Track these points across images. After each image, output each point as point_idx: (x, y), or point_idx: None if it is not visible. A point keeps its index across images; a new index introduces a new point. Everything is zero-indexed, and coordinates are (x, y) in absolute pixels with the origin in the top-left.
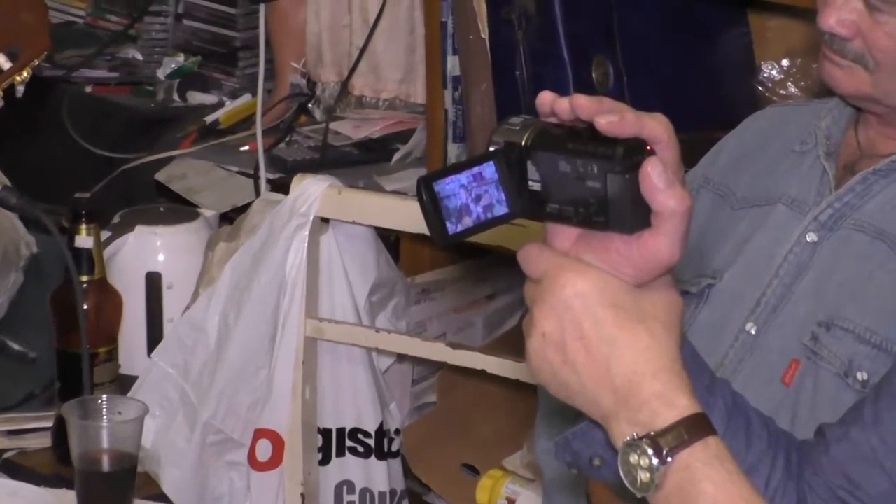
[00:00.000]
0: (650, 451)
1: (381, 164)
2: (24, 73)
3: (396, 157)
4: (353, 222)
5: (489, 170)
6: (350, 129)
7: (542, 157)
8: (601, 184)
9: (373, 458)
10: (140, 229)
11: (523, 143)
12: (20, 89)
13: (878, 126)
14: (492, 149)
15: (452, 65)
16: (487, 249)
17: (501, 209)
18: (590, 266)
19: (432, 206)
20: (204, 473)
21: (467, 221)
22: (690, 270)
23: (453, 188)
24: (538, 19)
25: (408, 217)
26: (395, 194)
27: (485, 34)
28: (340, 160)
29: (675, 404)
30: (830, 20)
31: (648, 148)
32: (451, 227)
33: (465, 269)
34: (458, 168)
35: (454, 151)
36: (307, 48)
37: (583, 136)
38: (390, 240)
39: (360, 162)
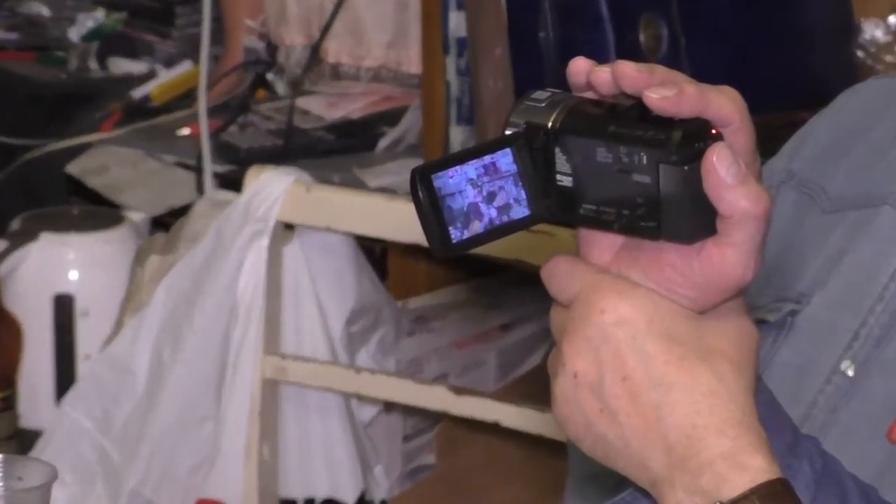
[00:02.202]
0: None
1: (363, 153)
2: None
3: (383, 143)
4: (327, 229)
5: (505, 160)
6: (322, 108)
7: (574, 144)
8: (652, 178)
9: None
10: (46, 238)
11: (550, 125)
12: None
13: None
14: (509, 132)
15: (456, 24)
16: (502, 265)
17: (521, 211)
18: (636, 286)
19: (431, 207)
20: None
21: (476, 227)
22: (768, 293)
23: (458, 184)
24: None
25: (398, 222)
26: (381, 193)
27: None
28: (310, 148)
29: (748, 467)
30: None
31: (714, 132)
32: (456, 235)
33: (472, 290)
34: (464, 157)
35: (458, 137)
36: (266, 1)
37: (628, 117)
38: (375, 252)
39: (336, 150)
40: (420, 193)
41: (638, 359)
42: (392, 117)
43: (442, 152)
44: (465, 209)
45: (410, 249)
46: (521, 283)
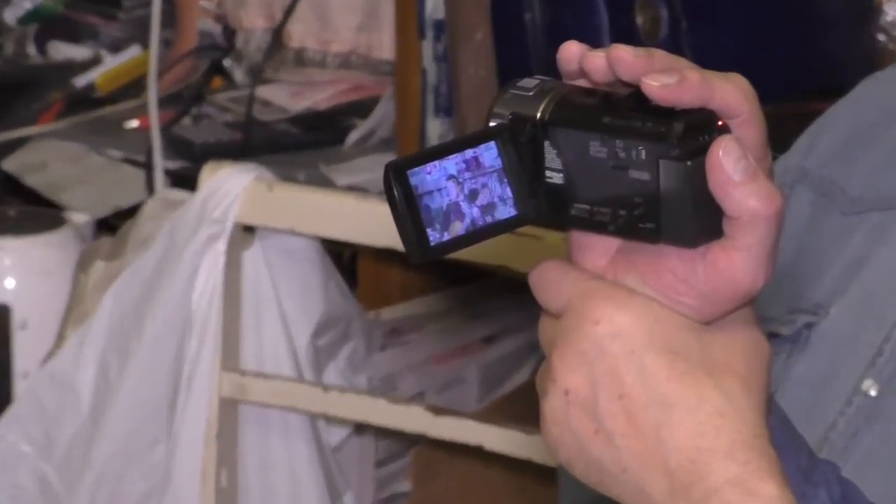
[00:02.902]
0: None
1: (331, 147)
2: None
3: (353, 137)
4: (291, 231)
5: (489, 154)
6: (286, 98)
7: (565, 137)
8: (651, 175)
9: None
10: None
11: (538, 116)
12: None
13: None
14: (493, 124)
15: (433, 5)
16: (485, 271)
17: (506, 211)
18: (634, 294)
19: (406, 207)
20: None
21: (457, 229)
22: (781, 302)
23: (437, 181)
24: None
25: (369, 224)
26: (350, 191)
27: None
28: (272, 142)
29: (758, 494)
30: None
31: (720, 123)
32: (434, 237)
33: (452, 299)
34: (443, 152)
35: (436, 129)
36: None
37: (625, 107)
38: (344, 258)
39: (301, 145)
40: (394, 191)
41: (636, 375)
42: (363, 108)
43: (418, 146)
44: (444, 209)
45: (383, 254)
46: (506, 291)
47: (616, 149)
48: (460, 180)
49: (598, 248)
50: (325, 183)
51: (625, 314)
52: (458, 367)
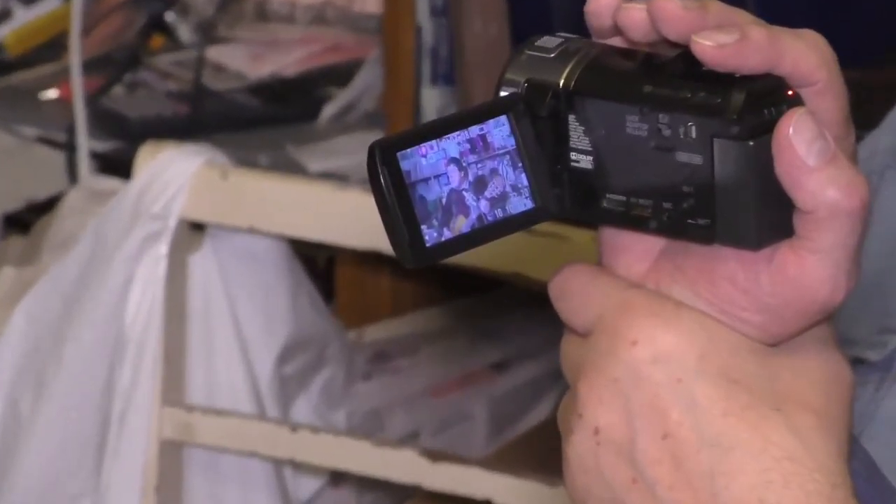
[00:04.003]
0: None
1: (301, 124)
2: None
3: (328, 111)
4: (250, 230)
5: (500, 133)
6: (244, 62)
7: (596, 110)
8: (704, 158)
9: None
10: None
11: (562, 83)
12: None
13: None
14: (504, 94)
15: None
16: (495, 280)
17: (522, 203)
18: (682, 308)
19: (396, 198)
20: None
21: (460, 225)
22: (868, 320)
23: (435, 165)
24: None
25: (349, 220)
26: (325, 180)
27: None
28: (226, 117)
29: None
30: None
31: (790, 93)
32: (432, 237)
33: (453, 315)
34: (442, 129)
35: (433, 101)
36: None
37: (670, 72)
38: (318, 263)
39: (263, 120)
40: (381, 179)
41: (684, 409)
42: (340, 74)
43: (411, 123)
44: (444, 200)
45: (367, 259)
46: (521, 305)
47: (659, 125)
48: (464, 165)
49: (636, 250)
50: (294, 169)
51: (670, 333)
52: (461, 400)
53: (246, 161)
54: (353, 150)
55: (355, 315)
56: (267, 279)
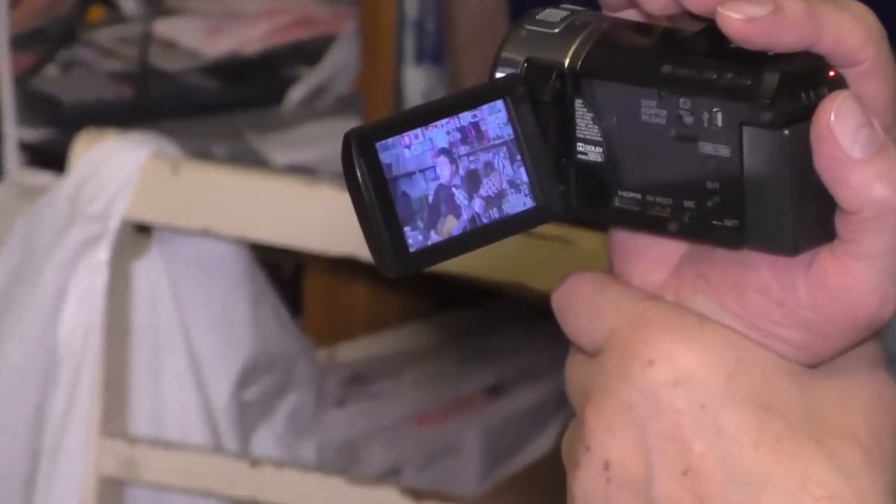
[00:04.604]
0: None
1: (264, 109)
2: None
3: (295, 94)
4: (205, 233)
5: (496, 119)
6: (198, 37)
7: (606, 94)
8: (732, 149)
9: None
10: None
11: (567, 63)
12: None
13: None
14: (501, 75)
15: None
16: (488, 290)
17: (521, 201)
18: (706, 322)
19: (375, 196)
20: None
21: (450, 227)
22: None
23: (420, 157)
24: None
25: (320, 222)
26: (293, 174)
27: None
28: (177, 102)
29: None
30: None
31: (832, 74)
32: (416, 240)
33: (441, 332)
34: (429, 116)
35: (418, 83)
36: None
37: (693, 50)
38: (284, 271)
39: (220, 105)
40: (358, 174)
41: (709, 440)
42: (310, 52)
43: (392, 108)
44: (431, 199)
45: (341, 267)
46: (519, 320)
47: (680, 111)
48: (454, 157)
49: (653, 256)
50: (256, 161)
51: (692, 351)
52: (450, 429)
53: (200, 152)
54: (324, 140)
55: (327, 331)
56: (224, 290)
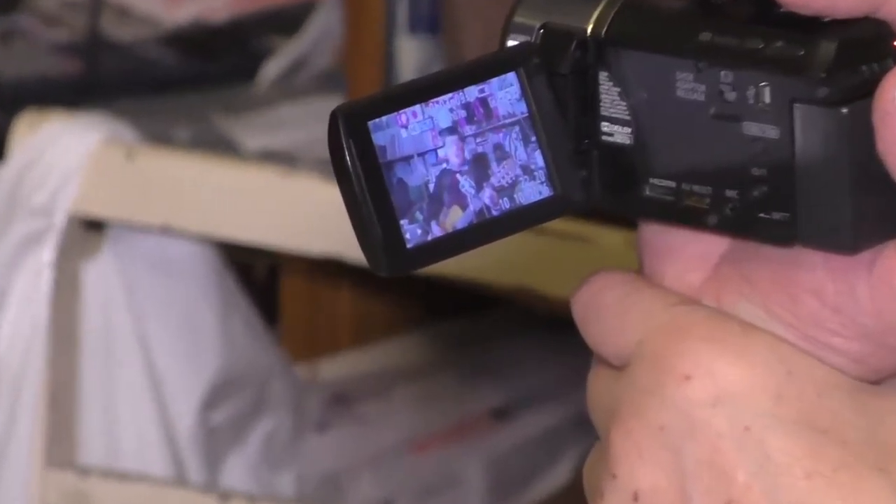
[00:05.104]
0: None
1: (233, 86)
2: None
3: (270, 69)
4: (165, 230)
5: (507, 95)
6: (156, 3)
7: (635, 66)
8: (780, 130)
9: None
10: None
11: (591, 29)
12: None
13: None
14: (512, 43)
15: None
16: (497, 296)
17: (536, 190)
18: (750, 331)
19: (367, 183)
20: None
21: (454, 220)
22: None
23: (419, 139)
24: None
25: (300, 217)
26: (266, 162)
27: None
28: (133, 78)
29: None
30: None
31: None
32: (414, 234)
33: (440, 344)
34: (428, 91)
35: (412, 54)
36: None
37: (735, 15)
38: (257, 275)
39: (182, 82)
40: (347, 157)
41: (755, 468)
42: (286, 20)
43: (381, 85)
44: (432, 187)
45: (323, 269)
46: (529, 330)
47: (721, 86)
48: (462, 136)
49: (689, 255)
50: (224, 147)
51: (735, 365)
52: (449, 458)
53: (159, 136)
54: (303, 122)
55: (307, 343)
56: (188, 296)
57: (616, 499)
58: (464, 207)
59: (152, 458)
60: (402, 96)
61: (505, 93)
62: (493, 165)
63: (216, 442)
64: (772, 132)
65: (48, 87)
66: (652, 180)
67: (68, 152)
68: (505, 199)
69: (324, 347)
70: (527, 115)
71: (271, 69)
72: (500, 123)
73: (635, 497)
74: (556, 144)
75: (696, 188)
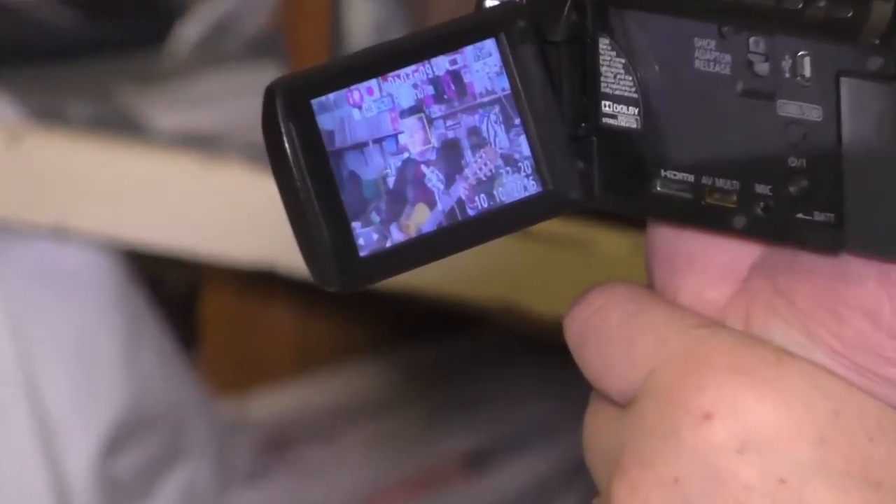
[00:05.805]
0: None
1: (141, 52)
2: None
3: (187, 32)
4: (56, 231)
5: (485, 67)
6: None
7: (644, 31)
8: (824, 110)
9: None
10: None
11: None
12: None
13: None
14: (491, 3)
15: None
16: (467, 316)
17: (520, 185)
18: (786, 359)
19: (311, 177)
20: None
21: (418, 221)
22: None
23: (375, 121)
24: None
25: (225, 217)
26: (182, 146)
27: None
28: (20, 44)
29: None
30: None
31: None
32: (370, 240)
33: (399, 373)
34: (386, 62)
35: (364, 17)
36: None
37: None
38: (172, 289)
39: (79, 47)
40: (286, 144)
41: None
42: None
43: (328, 53)
44: (391, 181)
45: (254, 282)
46: (512, 356)
47: (750, 55)
48: (426, 121)
49: (711, 265)
50: (131, 127)
51: (767, 401)
52: None
53: (51, 114)
54: (228, 98)
55: (234, 374)
56: (84, 316)
57: None
58: (431, 206)
59: None
60: (353, 69)
61: (482, 64)
62: (468, 154)
63: (119, 496)
64: (813, 113)
65: None
66: (665, 173)
67: None
68: (482, 195)
69: (255, 379)
70: (509, 92)
71: (188, 32)
72: (475, 103)
73: None
74: (545, 129)
75: (719, 183)
